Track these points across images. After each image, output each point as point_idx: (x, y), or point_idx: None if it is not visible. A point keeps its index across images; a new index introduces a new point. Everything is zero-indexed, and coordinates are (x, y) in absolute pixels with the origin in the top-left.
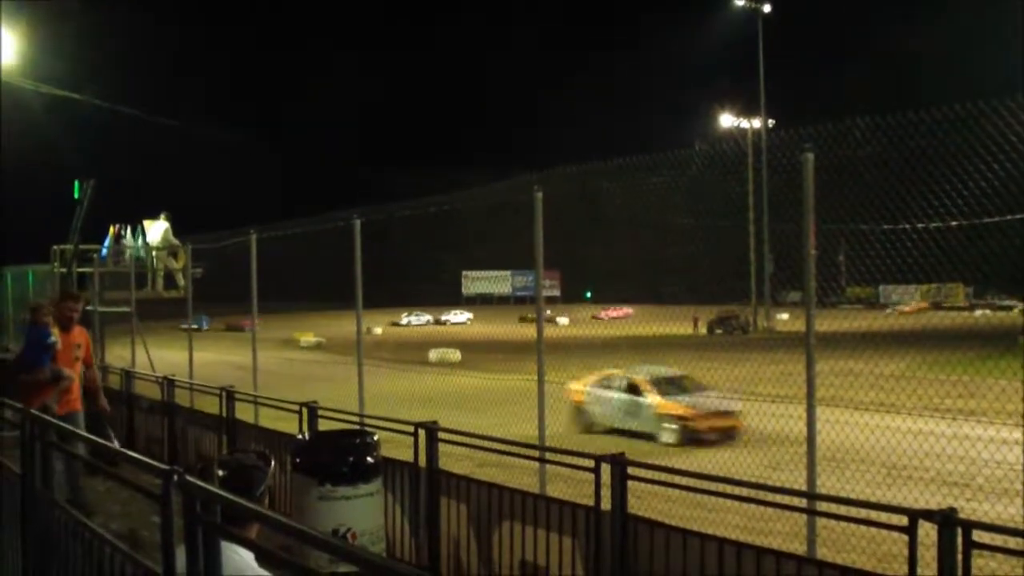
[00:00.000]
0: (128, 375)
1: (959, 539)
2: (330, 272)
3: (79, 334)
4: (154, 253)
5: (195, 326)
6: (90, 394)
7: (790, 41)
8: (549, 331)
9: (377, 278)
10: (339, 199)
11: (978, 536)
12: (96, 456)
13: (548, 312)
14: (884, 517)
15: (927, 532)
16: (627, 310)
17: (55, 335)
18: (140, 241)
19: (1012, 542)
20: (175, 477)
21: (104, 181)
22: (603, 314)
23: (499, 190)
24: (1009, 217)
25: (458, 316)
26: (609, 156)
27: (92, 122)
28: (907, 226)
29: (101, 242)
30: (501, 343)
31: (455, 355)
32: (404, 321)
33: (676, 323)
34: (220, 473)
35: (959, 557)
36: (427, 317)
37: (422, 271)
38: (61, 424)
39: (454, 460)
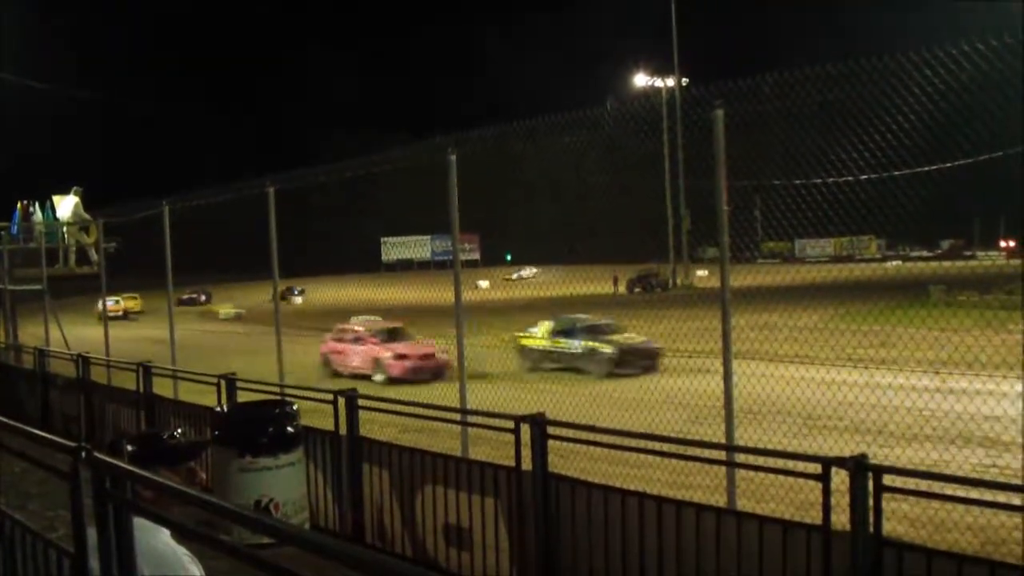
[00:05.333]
0: (42, 354)
1: (870, 484)
2: (249, 240)
3: None
4: (65, 229)
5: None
6: None
7: None
8: (469, 294)
9: (298, 245)
10: (259, 164)
11: (890, 480)
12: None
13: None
14: (802, 467)
15: (843, 479)
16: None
17: None
18: (50, 217)
19: (923, 485)
20: (83, 454)
21: (9, 157)
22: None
23: (415, 153)
24: (918, 169)
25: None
26: (527, 117)
27: None
28: (819, 180)
29: (9, 219)
30: (425, 308)
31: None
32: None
33: (597, 283)
34: (129, 448)
35: (871, 501)
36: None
37: (343, 237)
38: None
39: (378, 427)
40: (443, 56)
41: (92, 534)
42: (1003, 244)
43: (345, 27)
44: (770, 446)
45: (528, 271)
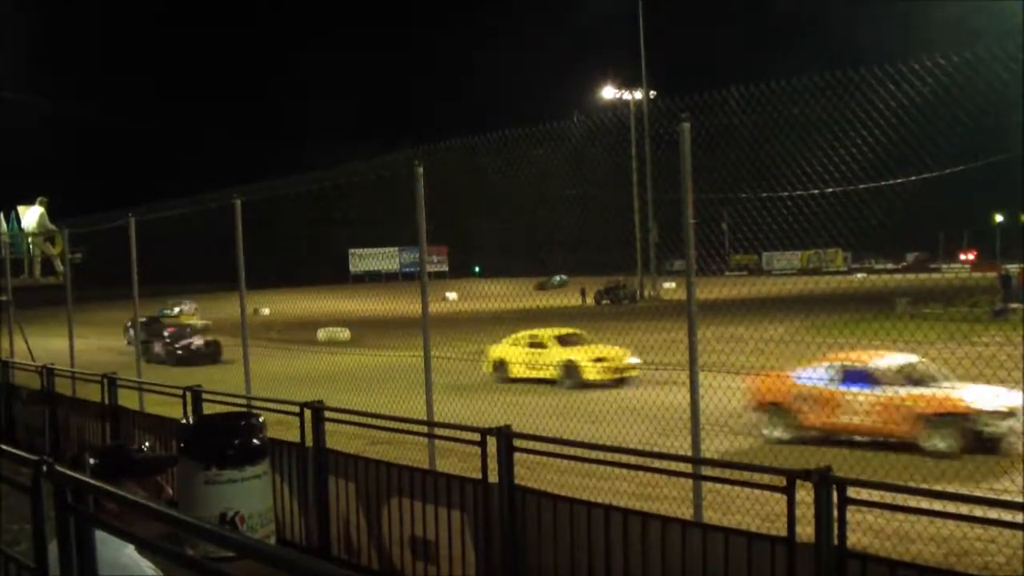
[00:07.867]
0: (6, 365)
1: (835, 496)
2: (217, 252)
3: None
4: (30, 239)
5: None
6: None
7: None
8: (437, 306)
9: (267, 257)
10: (230, 176)
11: (854, 492)
12: None
13: None
14: (767, 479)
15: (809, 491)
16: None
17: None
18: (15, 227)
19: (888, 497)
20: (44, 467)
21: None
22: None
23: (382, 165)
24: (882, 183)
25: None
26: (496, 129)
27: None
28: (785, 193)
29: None
30: (392, 320)
31: (344, 334)
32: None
33: (565, 295)
34: (93, 461)
35: (835, 513)
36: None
37: (311, 249)
38: None
39: (346, 439)
40: (418, 67)
41: (54, 548)
42: (965, 257)
43: (316, 36)
44: (736, 458)
45: (188, 306)
